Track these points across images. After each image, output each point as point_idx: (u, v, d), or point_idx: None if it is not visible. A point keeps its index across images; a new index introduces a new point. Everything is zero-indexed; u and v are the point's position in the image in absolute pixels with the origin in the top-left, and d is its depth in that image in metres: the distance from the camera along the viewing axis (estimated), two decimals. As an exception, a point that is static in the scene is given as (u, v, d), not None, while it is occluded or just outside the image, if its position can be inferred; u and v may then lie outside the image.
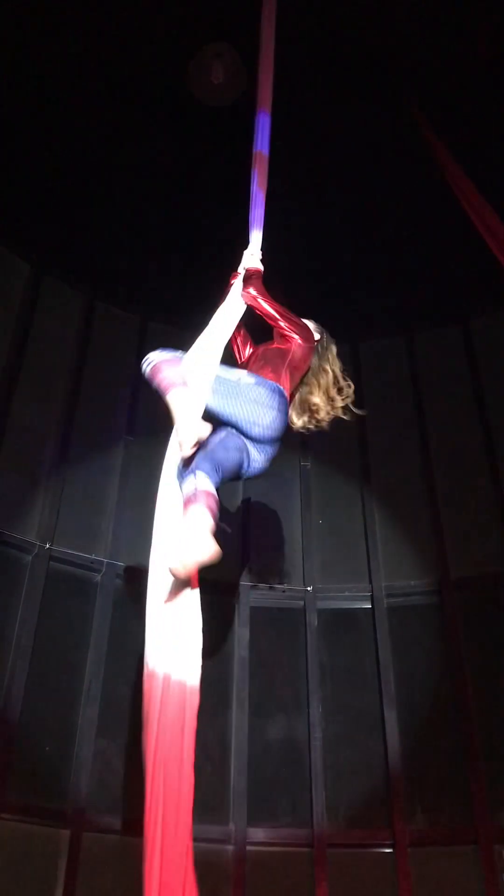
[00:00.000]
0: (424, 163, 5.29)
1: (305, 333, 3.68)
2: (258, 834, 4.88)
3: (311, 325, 3.81)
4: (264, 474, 5.93)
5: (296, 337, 3.62)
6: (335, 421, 3.87)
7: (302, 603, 5.70)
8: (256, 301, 3.69)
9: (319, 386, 3.77)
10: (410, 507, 6.06)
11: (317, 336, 3.80)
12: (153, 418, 6.30)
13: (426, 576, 5.73)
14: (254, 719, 5.23)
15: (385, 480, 6.23)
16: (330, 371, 3.79)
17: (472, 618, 5.46)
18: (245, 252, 3.85)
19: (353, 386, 3.86)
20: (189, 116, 5.84)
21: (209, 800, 4.93)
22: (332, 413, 3.81)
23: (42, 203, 6.15)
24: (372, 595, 5.70)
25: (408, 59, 5.41)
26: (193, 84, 5.64)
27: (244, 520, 6.00)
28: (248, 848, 4.80)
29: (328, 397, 3.78)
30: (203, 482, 2.90)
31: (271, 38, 4.39)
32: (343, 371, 3.86)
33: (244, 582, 5.73)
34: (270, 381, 3.39)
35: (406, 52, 5.38)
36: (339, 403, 3.80)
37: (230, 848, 4.79)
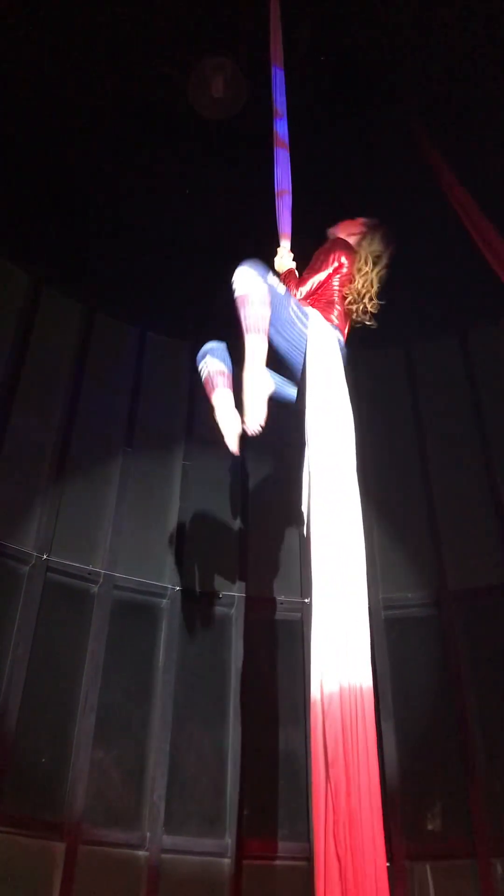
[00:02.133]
0: (423, 176, 5.31)
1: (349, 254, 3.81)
2: (255, 846, 4.85)
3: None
4: (265, 488, 5.96)
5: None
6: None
7: (299, 615, 5.69)
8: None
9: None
10: (408, 519, 6.07)
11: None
12: (151, 430, 6.35)
13: (424, 588, 5.73)
14: (250, 731, 5.21)
15: (383, 492, 6.22)
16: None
17: (470, 630, 5.45)
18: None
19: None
20: (189, 129, 5.86)
21: (207, 812, 4.92)
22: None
23: (42, 215, 6.17)
24: (370, 607, 5.66)
25: (409, 73, 5.43)
26: (194, 97, 5.67)
27: (242, 531, 6.00)
28: (245, 861, 4.77)
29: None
30: None
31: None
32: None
33: (241, 594, 5.71)
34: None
35: (407, 66, 5.41)
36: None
37: (226, 861, 4.76)
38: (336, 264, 3.70)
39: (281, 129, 4.10)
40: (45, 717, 4.82)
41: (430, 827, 4.88)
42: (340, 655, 2.55)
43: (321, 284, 3.66)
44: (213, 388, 3.48)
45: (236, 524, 6.03)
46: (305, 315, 3.41)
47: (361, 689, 2.51)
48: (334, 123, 5.73)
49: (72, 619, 5.25)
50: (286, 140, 4.08)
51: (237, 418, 3.35)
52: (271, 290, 3.18)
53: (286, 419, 6.48)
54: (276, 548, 6.00)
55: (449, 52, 5.29)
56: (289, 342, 3.36)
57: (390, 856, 4.67)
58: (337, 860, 2.28)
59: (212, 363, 3.55)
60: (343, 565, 2.79)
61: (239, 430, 3.34)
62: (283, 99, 4.22)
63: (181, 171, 6.08)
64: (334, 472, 3.06)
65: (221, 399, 3.44)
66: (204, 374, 3.55)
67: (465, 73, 5.38)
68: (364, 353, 6.89)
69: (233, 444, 3.37)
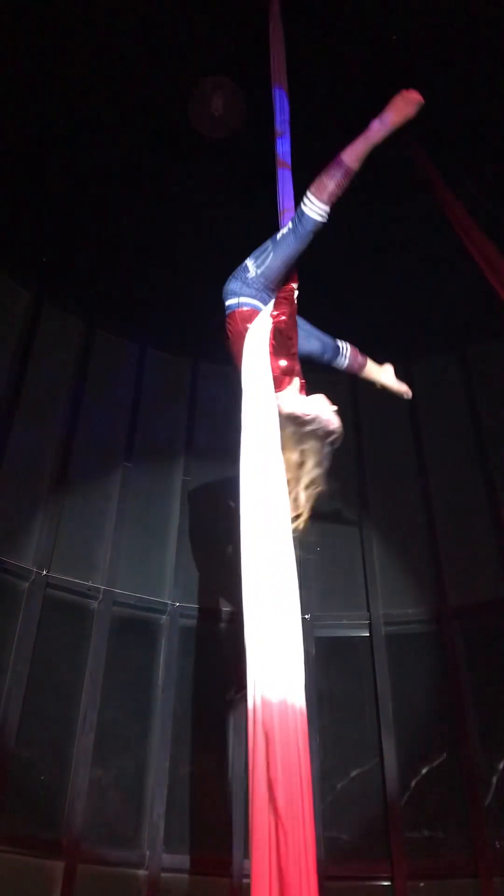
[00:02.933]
0: (422, 193, 5.35)
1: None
2: (255, 866, 4.81)
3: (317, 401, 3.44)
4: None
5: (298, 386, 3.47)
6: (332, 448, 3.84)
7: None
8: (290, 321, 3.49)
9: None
10: (409, 535, 6.06)
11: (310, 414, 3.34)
12: (151, 446, 6.35)
13: (424, 604, 5.72)
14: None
15: (383, 508, 6.24)
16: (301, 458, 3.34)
17: (470, 645, 5.44)
18: None
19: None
20: (190, 147, 5.90)
21: (207, 831, 4.89)
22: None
23: (43, 232, 6.21)
24: (370, 623, 5.68)
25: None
26: (194, 115, 5.71)
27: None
28: (245, 881, 4.74)
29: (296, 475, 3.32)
30: None
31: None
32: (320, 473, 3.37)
33: (242, 609, 5.69)
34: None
35: (405, 84, 5.44)
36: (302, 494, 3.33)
37: (226, 880, 4.72)
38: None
39: (282, 149, 4.12)
40: (45, 734, 4.79)
41: (431, 845, 4.84)
42: (274, 670, 2.44)
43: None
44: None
45: (237, 541, 6.01)
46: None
47: (294, 707, 2.39)
48: (332, 142, 5.76)
49: (71, 636, 5.23)
50: (288, 160, 4.09)
51: None
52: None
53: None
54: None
55: (448, 70, 5.33)
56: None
57: (392, 875, 4.68)
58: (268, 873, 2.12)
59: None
60: (274, 580, 2.62)
61: None
62: (285, 118, 4.24)
63: (182, 188, 6.12)
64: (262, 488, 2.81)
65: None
66: None
67: (463, 91, 5.43)
68: (363, 368, 6.93)
69: None
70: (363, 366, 4.00)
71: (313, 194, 3.30)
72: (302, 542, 6.02)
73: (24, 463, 5.60)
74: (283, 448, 3.11)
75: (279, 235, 3.45)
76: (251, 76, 4.76)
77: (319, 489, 3.32)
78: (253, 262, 3.48)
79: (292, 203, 3.94)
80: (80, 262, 6.45)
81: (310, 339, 3.73)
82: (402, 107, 3.57)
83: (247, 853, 4.80)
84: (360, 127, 5.28)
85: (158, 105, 5.62)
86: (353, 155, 3.41)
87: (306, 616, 5.72)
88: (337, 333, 6.87)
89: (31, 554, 5.31)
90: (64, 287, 6.44)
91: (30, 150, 5.82)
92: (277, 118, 4.28)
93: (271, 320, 3.32)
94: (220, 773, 5.09)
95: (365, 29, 5.18)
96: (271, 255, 3.42)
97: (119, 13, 5.08)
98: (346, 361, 3.90)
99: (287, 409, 3.26)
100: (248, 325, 3.33)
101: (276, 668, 2.37)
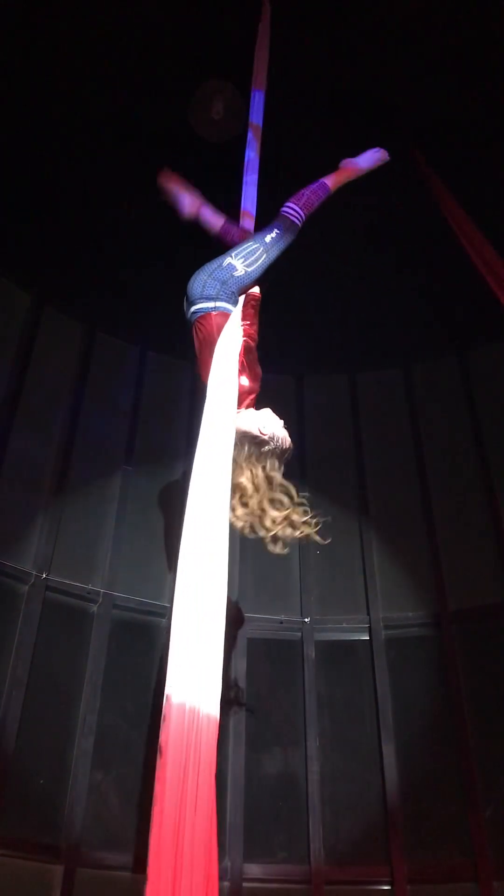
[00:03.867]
0: (422, 197, 5.36)
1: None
2: (254, 870, 4.81)
3: (263, 416, 3.34)
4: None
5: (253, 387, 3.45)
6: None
7: (299, 634, 5.68)
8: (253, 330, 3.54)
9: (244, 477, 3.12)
10: (408, 538, 6.06)
11: (256, 430, 3.21)
12: (151, 449, 6.35)
13: (424, 607, 5.72)
14: (250, 752, 5.18)
15: (383, 511, 6.24)
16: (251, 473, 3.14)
17: (470, 650, 5.43)
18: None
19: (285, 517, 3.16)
20: (190, 151, 5.91)
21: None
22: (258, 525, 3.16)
23: (43, 234, 6.21)
24: (370, 627, 5.68)
25: (406, 97, 5.48)
26: (194, 119, 5.71)
27: (241, 551, 5.99)
28: (245, 884, 4.73)
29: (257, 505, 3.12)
30: None
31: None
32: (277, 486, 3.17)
33: (240, 612, 5.70)
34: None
35: (404, 90, 5.46)
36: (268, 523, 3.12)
37: (226, 885, 4.71)
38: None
39: (253, 153, 4.16)
40: (44, 738, 4.79)
41: (431, 849, 4.83)
42: (192, 674, 2.35)
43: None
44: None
45: (236, 543, 6.01)
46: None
47: (208, 716, 2.34)
48: (331, 146, 5.77)
49: (71, 639, 5.23)
50: (257, 165, 4.17)
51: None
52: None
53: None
54: (276, 567, 5.99)
55: (447, 73, 5.34)
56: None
57: (391, 879, 4.68)
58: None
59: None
60: (204, 582, 2.54)
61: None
62: (259, 122, 4.29)
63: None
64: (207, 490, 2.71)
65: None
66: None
67: (462, 94, 5.43)
68: (363, 372, 6.95)
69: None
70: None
71: (301, 207, 3.43)
72: (301, 545, 6.05)
73: (24, 466, 5.61)
74: (243, 467, 3.07)
75: (268, 238, 3.47)
76: (252, 80, 4.77)
77: (288, 508, 3.14)
78: (242, 261, 3.47)
79: (254, 207, 4.03)
80: (80, 265, 6.45)
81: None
82: (377, 160, 4.25)
83: (244, 857, 4.81)
84: (356, 131, 5.31)
85: (159, 109, 5.62)
86: (335, 183, 3.87)
87: (306, 619, 5.74)
88: (336, 337, 6.91)
89: (30, 557, 5.31)
90: (64, 290, 6.44)
91: (30, 154, 5.83)
92: (252, 121, 4.32)
93: (242, 333, 3.34)
94: (219, 777, 5.06)
95: (363, 33, 5.18)
96: (264, 256, 3.45)
97: (120, 17, 5.08)
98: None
99: (244, 428, 3.16)
100: (220, 332, 3.26)
101: (192, 672, 2.32)
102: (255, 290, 3.58)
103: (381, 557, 6.00)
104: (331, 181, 3.82)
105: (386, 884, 4.73)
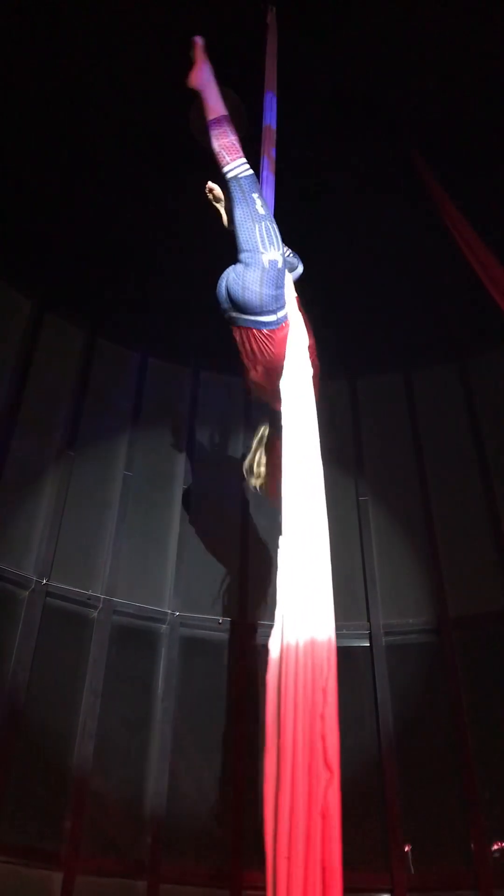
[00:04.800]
0: (423, 204, 5.37)
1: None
2: (255, 876, 4.79)
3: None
4: (265, 513, 5.96)
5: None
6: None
7: (300, 641, 5.66)
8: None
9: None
10: (409, 544, 6.06)
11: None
12: (152, 454, 6.35)
13: (425, 614, 5.71)
14: (250, 759, 5.16)
15: (383, 517, 6.23)
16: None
17: (470, 656, 5.43)
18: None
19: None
20: (190, 158, 5.92)
21: (206, 842, 4.87)
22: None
23: (44, 241, 6.22)
24: (370, 633, 5.67)
25: (407, 103, 5.50)
26: (194, 125, 5.73)
27: (242, 556, 5.99)
28: (245, 891, 4.71)
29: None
30: None
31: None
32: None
33: (241, 619, 5.69)
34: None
35: (406, 96, 5.48)
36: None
37: (226, 892, 4.69)
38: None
39: (270, 154, 4.15)
40: (44, 744, 4.78)
41: (431, 857, 4.81)
42: (303, 608, 2.51)
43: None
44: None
45: (237, 550, 6.02)
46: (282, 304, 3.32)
47: (324, 643, 2.45)
48: (332, 153, 5.79)
49: (71, 645, 5.22)
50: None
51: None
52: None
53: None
54: (276, 573, 5.98)
55: (447, 82, 5.36)
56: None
57: (392, 887, 4.66)
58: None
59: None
60: (307, 521, 2.84)
61: None
62: (273, 124, 4.29)
63: (182, 198, 6.13)
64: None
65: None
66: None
67: (462, 102, 5.45)
68: (363, 378, 6.95)
69: None
70: None
71: (226, 155, 3.46)
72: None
73: (24, 471, 5.61)
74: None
75: (258, 207, 3.41)
76: (252, 86, 4.78)
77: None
78: (274, 248, 3.30)
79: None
80: (81, 271, 6.46)
81: None
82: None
83: (245, 862, 4.78)
84: (357, 134, 5.32)
85: (160, 115, 5.64)
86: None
87: (306, 626, 5.71)
88: (336, 345, 6.89)
89: (31, 562, 5.31)
90: (65, 296, 6.45)
91: (32, 161, 5.85)
92: (267, 122, 4.32)
93: (309, 355, 3.36)
94: (221, 784, 5.07)
95: (364, 38, 5.20)
96: (267, 222, 3.41)
97: (121, 21, 5.10)
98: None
99: None
100: (286, 344, 3.30)
101: (310, 603, 2.46)
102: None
103: (381, 564, 5.99)
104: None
105: (386, 892, 4.71)
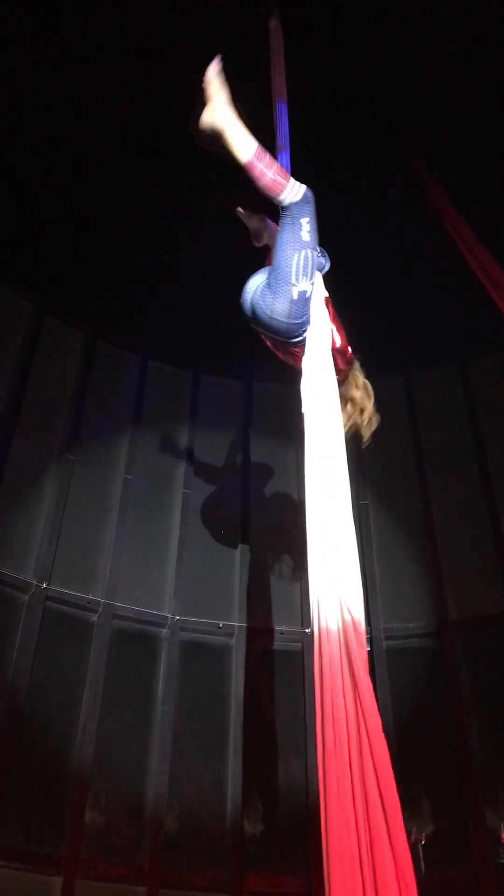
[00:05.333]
0: (423, 208, 5.37)
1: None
2: (254, 881, 4.78)
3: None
4: (265, 517, 5.95)
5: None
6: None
7: (300, 645, 5.66)
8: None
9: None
10: (409, 548, 6.05)
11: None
12: (152, 458, 6.35)
13: (425, 617, 5.70)
14: (250, 763, 5.16)
15: (383, 521, 6.23)
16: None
17: (471, 659, 5.42)
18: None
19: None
20: (191, 160, 5.92)
21: (206, 845, 4.85)
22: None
23: (45, 243, 6.22)
24: (371, 637, 5.65)
25: (409, 108, 5.50)
26: (195, 129, 5.73)
27: (243, 560, 5.99)
28: (245, 895, 4.70)
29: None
30: None
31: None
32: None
33: (241, 623, 5.69)
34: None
35: (407, 101, 5.47)
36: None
37: (226, 895, 4.69)
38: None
39: (283, 162, 4.12)
40: (44, 748, 4.77)
41: (432, 861, 4.80)
42: (336, 589, 2.60)
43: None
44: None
45: (237, 553, 6.01)
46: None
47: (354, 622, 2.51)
48: (332, 155, 5.79)
49: (71, 649, 5.22)
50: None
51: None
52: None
53: (284, 451, 6.50)
54: (276, 577, 5.98)
55: (449, 87, 5.36)
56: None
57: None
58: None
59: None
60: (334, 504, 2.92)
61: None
62: (285, 132, 4.26)
63: (183, 201, 6.14)
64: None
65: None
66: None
67: (464, 107, 5.45)
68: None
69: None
70: None
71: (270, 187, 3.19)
72: (301, 552, 6.02)
73: (24, 474, 5.60)
74: (353, 384, 3.84)
75: (290, 237, 3.32)
76: (253, 89, 4.77)
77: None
78: (305, 278, 3.27)
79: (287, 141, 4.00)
80: (81, 274, 6.46)
81: None
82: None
83: (245, 865, 4.78)
84: (358, 140, 5.32)
85: (160, 118, 5.63)
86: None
87: (307, 630, 5.71)
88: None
89: (31, 566, 5.30)
90: (66, 299, 6.45)
91: (32, 164, 5.85)
92: (279, 132, 4.29)
93: (336, 358, 3.50)
94: (221, 787, 5.06)
95: (365, 41, 5.20)
96: (304, 251, 3.30)
97: (122, 24, 5.10)
98: None
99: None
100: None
101: (342, 585, 2.59)
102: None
103: (381, 567, 5.98)
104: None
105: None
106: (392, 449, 6.55)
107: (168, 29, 5.14)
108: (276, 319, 3.21)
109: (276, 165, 3.17)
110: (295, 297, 3.18)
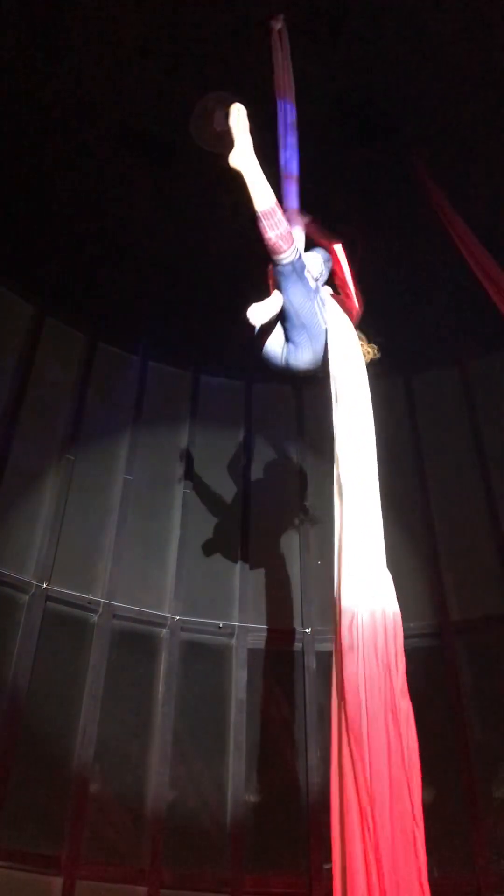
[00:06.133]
0: (424, 209, 5.37)
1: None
2: (254, 881, 4.78)
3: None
4: (265, 517, 5.95)
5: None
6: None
7: (301, 645, 5.66)
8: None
9: None
10: (410, 549, 6.04)
11: None
12: (152, 459, 6.35)
13: (426, 618, 5.69)
14: (251, 763, 5.16)
15: (385, 521, 6.20)
16: None
17: (472, 660, 5.42)
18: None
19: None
20: (191, 162, 5.93)
21: (206, 846, 4.85)
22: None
23: (45, 246, 6.22)
24: (371, 637, 5.65)
25: (410, 110, 5.50)
26: (196, 131, 5.73)
27: (243, 560, 5.98)
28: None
29: None
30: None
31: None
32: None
33: (242, 623, 5.68)
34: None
35: (408, 103, 5.47)
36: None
37: (226, 896, 4.69)
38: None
39: (289, 192, 4.13)
40: (44, 748, 4.77)
41: (433, 863, 4.78)
42: (367, 582, 2.78)
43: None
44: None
45: (237, 553, 6.01)
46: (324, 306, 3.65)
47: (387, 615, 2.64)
48: (332, 157, 5.79)
49: (71, 649, 5.21)
50: (294, 171, 4.14)
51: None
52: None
53: (284, 451, 6.50)
54: (277, 577, 5.98)
55: (450, 88, 5.35)
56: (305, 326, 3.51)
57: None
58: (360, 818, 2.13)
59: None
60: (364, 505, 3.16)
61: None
62: (288, 132, 4.28)
63: (184, 203, 6.14)
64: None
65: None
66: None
67: (465, 108, 5.45)
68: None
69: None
70: None
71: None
72: (302, 555, 6.03)
73: (25, 475, 5.60)
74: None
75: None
76: (254, 91, 4.77)
77: None
78: (308, 343, 3.63)
79: (297, 205, 4.03)
80: (82, 275, 6.46)
81: None
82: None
83: (245, 867, 4.77)
84: (359, 140, 5.31)
85: (161, 121, 5.64)
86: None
87: (307, 630, 5.72)
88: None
89: (31, 567, 5.30)
90: (66, 300, 6.45)
91: (33, 167, 5.85)
92: (281, 131, 4.31)
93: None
94: (221, 788, 5.06)
95: (366, 43, 5.20)
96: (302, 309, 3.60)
97: (123, 26, 5.10)
98: None
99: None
100: None
101: (372, 576, 2.80)
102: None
103: (382, 568, 5.97)
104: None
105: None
106: (392, 449, 6.55)
107: (172, 30, 5.13)
108: (318, 358, 3.59)
109: (283, 226, 3.34)
110: (324, 335, 3.60)
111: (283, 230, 3.32)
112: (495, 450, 6.17)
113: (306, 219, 3.99)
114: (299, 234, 3.76)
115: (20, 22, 5.02)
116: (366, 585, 2.66)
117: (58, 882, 4.39)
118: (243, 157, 3.35)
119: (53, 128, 5.64)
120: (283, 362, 3.58)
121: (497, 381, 6.47)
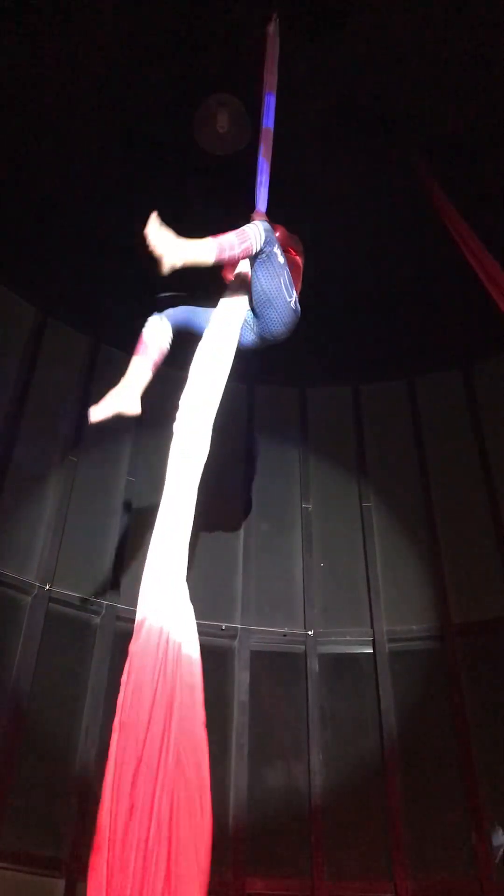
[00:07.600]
0: (426, 210, 5.37)
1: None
2: (256, 884, 4.78)
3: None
4: (266, 517, 5.95)
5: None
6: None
7: (303, 647, 5.66)
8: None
9: None
10: (412, 551, 6.04)
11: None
12: (154, 461, 6.34)
13: (428, 620, 5.69)
14: (253, 766, 5.15)
15: (387, 524, 6.22)
16: None
17: (474, 663, 5.41)
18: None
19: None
20: (194, 164, 5.94)
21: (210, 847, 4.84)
22: None
23: (47, 247, 6.24)
24: (374, 640, 5.66)
25: (409, 107, 5.50)
26: (198, 132, 5.74)
27: (244, 562, 5.98)
28: (246, 900, 4.70)
29: None
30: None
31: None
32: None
33: (244, 625, 5.68)
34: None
35: (408, 100, 5.47)
36: None
37: (228, 899, 4.68)
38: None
39: (260, 193, 4.18)
40: (46, 750, 4.77)
41: (434, 866, 4.79)
42: (170, 604, 2.52)
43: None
44: (139, 353, 3.89)
45: (239, 554, 6.01)
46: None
47: (180, 645, 2.41)
48: (332, 158, 5.80)
49: (73, 651, 5.22)
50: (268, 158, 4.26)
51: (129, 402, 3.82)
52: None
53: (285, 452, 6.50)
54: (279, 579, 5.98)
55: (450, 85, 5.36)
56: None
57: (394, 895, 4.63)
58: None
59: (160, 331, 4.02)
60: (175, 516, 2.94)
61: (117, 412, 3.72)
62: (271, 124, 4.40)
63: (186, 205, 6.15)
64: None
65: (137, 371, 3.86)
66: (146, 335, 3.90)
67: (464, 105, 5.45)
68: (367, 385, 6.95)
69: (99, 414, 3.68)
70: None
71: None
72: (305, 558, 6.03)
73: (27, 476, 5.61)
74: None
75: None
76: (254, 93, 4.79)
77: None
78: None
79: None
80: (84, 278, 6.47)
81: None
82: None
83: (247, 871, 4.77)
84: (360, 140, 5.32)
85: (163, 122, 5.65)
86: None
87: (309, 632, 5.72)
88: (340, 351, 6.91)
89: (33, 568, 5.31)
90: (69, 303, 6.46)
91: (35, 168, 5.86)
92: (265, 124, 4.41)
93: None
94: (221, 789, 5.05)
95: (367, 44, 5.21)
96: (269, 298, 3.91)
97: (123, 27, 5.11)
98: None
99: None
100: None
101: (171, 602, 2.53)
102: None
103: (384, 570, 5.98)
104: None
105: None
106: (395, 452, 6.56)
107: (173, 31, 5.14)
108: (290, 327, 3.82)
109: (231, 237, 3.50)
110: (292, 306, 3.76)
111: (234, 241, 3.47)
112: (499, 453, 6.16)
113: None
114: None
115: (20, 26, 5.04)
116: (158, 595, 2.52)
117: (60, 884, 4.39)
118: (171, 253, 3.38)
119: (56, 132, 5.65)
120: (253, 339, 3.87)
121: (500, 385, 6.46)
